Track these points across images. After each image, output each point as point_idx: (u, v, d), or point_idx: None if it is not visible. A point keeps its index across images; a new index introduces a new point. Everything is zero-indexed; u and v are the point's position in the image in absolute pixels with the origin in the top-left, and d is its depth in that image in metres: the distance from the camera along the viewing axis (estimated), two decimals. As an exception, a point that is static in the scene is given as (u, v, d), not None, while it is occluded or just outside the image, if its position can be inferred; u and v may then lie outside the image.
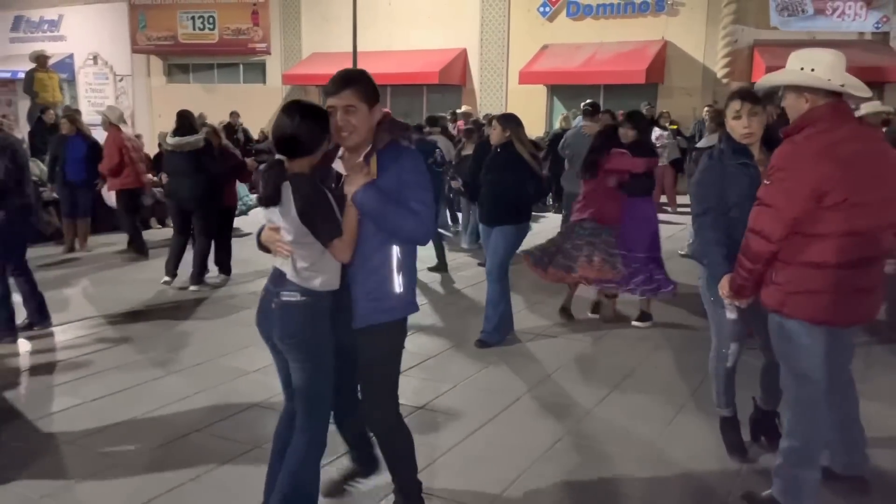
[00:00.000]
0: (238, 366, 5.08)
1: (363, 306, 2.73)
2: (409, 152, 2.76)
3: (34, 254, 8.63)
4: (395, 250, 2.72)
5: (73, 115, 9.02)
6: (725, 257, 3.29)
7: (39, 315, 5.75)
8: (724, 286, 3.19)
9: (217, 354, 5.30)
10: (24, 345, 5.47)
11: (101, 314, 6.32)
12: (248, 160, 7.07)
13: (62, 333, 5.78)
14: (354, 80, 2.66)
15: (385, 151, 2.71)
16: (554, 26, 16.53)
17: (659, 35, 15.68)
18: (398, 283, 2.74)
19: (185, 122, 7.20)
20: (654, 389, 4.73)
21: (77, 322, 6.08)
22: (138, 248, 8.55)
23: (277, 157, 2.76)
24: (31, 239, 5.75)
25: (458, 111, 13.72)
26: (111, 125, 8.35)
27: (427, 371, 5.02)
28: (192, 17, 20.05)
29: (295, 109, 2.69)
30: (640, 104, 12.93)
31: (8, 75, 20.50)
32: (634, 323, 6.04)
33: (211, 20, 19.84)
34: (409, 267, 2.80)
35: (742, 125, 3.45)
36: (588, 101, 8.91)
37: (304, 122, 2.66)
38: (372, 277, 2.72)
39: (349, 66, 14.58)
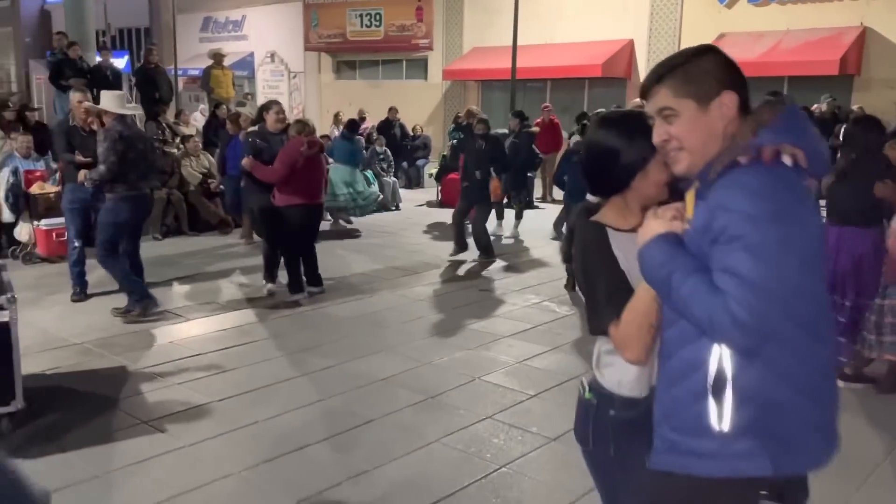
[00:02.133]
0: (365, 372, 4.85)
1: (658, 435, 1.74)
2: (744, 177, 1.54)
3: (201, 242, 9.05)
4: (720, 353, 1.59)
5: (234, 115, 9.34)
6: None
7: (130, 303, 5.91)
8: None
9: (346, 358, 5.10)
10: (161, 335, 5.57)
11: (237, 307, 6.35)
12: (246, 160, 6.36)
13: (199, 326, 5.84)
14: (671, 68, 1.69)
15: (720, 178, 1.59)
16: (733, 13, 15.18)
17: (857, 21, 13.89)
18: (717, 414, 1.60)
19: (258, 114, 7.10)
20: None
21: (218, 315, 6.13)
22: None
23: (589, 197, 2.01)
24: (131, 229, 5.90)
25: (622, 107, 12.88)
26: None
27: (567, 395, 4.51)
28: (360, 15, 20.56)
29: (595, 126, 1.96)
30: (821, 97, 11.44)
31: (197, 72, 22.12)
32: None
33: (377, 17, 20.24)
34: (756, 388, 1.58)
35: None
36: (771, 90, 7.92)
37: (596, 145, 1.93)
38: (672, 391, 1.69)
39: (509, 60, 14.20)
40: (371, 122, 15.00)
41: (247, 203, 7.17)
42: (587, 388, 2.01)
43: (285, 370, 4.89)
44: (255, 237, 8.58)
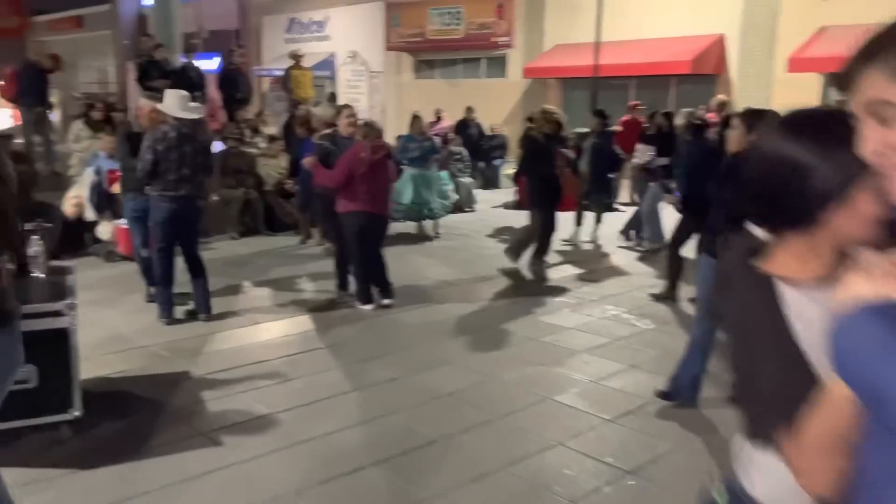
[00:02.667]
0: (431, 386, 4.62)
1: None
2: None
3: (276, 242, 9.05)
4: None
5: (303, 119, 9.27)
6: None
7: (204, 305, 5.95)
8: None
9: (411, 370, 4.88)
10: (227, 339, 5.50)
11: (305, 311, 6.22)
12: (307, 159, 6.44)
13: (266, 331, 5.75)
14: (891, 38, 1.08)
15: None
16: (834, 6, 14.18)
17: (978, 10, 12.75)
18: None
19: None
20: None
21: (285, 320, 6.03)
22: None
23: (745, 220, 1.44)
24: (187, 228, 5.83)
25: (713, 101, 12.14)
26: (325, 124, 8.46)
27: (645, 421, 4.15)
28: (441, 14, 20.43)
29: (774, 129, 1.32)
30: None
31: (281, 73, 22.49)
32: None
33: (458, 15, 20.06)
34: None
35: None
36: None
37: (774, 157, 1.29)
38: None
39: (592, 57, 13.70)
40: (448, 122, 14.79)
41: (315, 203, 7.16)
42: (722, 490, 1.43)
43: (347, 381, 4.72)
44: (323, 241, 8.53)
